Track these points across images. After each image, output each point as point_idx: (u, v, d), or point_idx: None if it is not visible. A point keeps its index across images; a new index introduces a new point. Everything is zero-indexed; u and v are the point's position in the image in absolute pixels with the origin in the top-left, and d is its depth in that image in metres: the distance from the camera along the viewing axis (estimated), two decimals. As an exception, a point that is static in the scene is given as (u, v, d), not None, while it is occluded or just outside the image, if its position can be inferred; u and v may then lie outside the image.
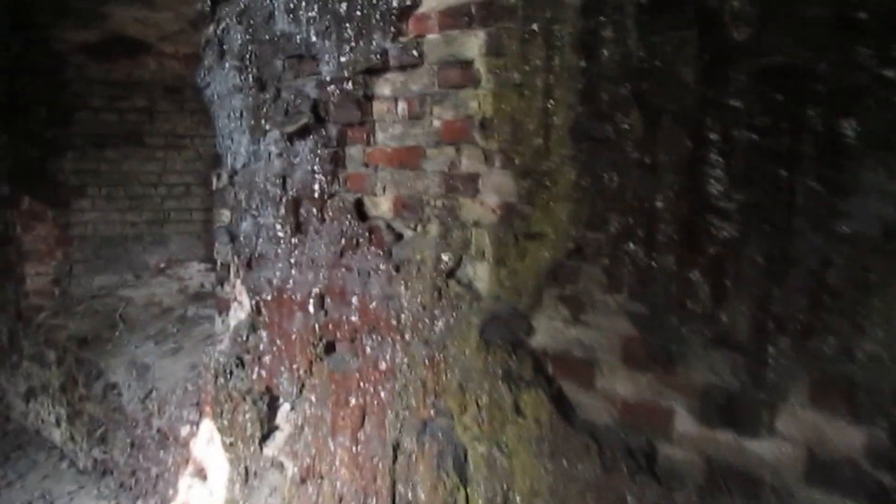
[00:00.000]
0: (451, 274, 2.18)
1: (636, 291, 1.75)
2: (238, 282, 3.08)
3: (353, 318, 2.46)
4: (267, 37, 2.69)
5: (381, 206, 2.42)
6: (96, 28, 4.97)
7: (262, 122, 2.73)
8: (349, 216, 2.47)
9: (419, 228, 2.30)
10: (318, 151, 2.55)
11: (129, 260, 5.39)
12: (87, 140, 5.17)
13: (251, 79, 2.76)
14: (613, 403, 1.80)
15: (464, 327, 2.11)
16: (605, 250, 1.81)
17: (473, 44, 2.06)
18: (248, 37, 2.77)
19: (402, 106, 2.31)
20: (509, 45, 1.97)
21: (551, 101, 1.89)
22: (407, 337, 2.28)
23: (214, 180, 3.20)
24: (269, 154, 2.74)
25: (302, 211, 2.64)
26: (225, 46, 2.88)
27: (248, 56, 2.77)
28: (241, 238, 2.94)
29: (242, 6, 2.76)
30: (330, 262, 2.54)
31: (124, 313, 4.69)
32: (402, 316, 2.30)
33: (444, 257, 2.18)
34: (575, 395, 1.89)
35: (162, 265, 5.51)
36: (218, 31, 2.89)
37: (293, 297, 2.68)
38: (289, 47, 2.61)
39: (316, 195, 2.57)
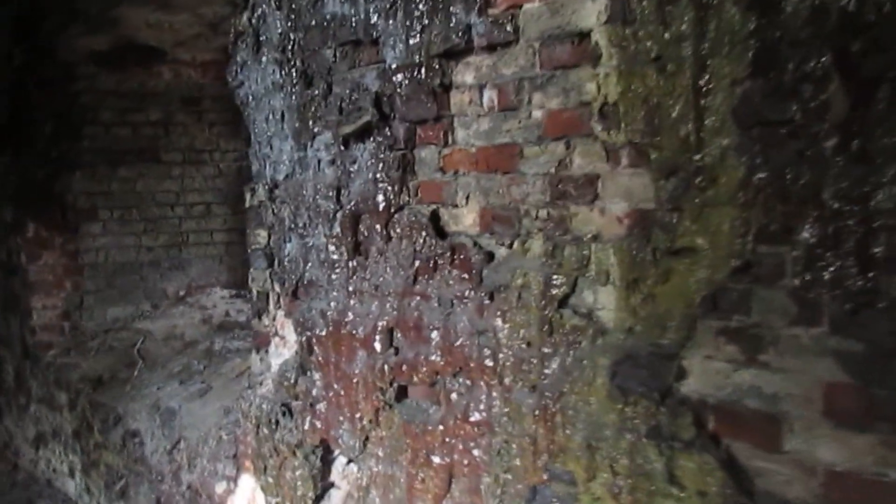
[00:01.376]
0: (563, 302, 1.79)
1: (844, 323, 1.35)
2: (280, 314, 2.71)
3: (433, 358, 2.08)
4: (314, 22, 2.33)
5: (464, 219, 2.04)
6: (107, 34, 4.67)
7: (310, 123, 2.37)
8: (423, 233, 2.10)
9: (516, 245, 1.91)
10: (382, 156, 2.18)
11: (146, 288, 5.05)
12: (97, 157, 4.86)
13: (295, 73, 2.40)
14: (812, 473, 1.39)
15: (587, 370, 1.72)
16: (791, 269, 1.41)
17: (590, 10, 1.68)
18: (289, 24, 2.42)
19: (489, 95, 1.94)
20: (642, 8, 1.59)
21: (706, 77, 1.51)
22: (507, 382, 1.89)
23: (248, 196, 2.85)
24: (319, 162, 2.38)
25: (362, 228, 2.27)
26: (262, 37, 2.53)
27: (290, 46, 2.42)
28: (285, 262, 2.57)
29: (283, -12, 2.42)
30: (400, 289, 2.16)
31: (143, 349, 4.34)
32: (500, 356, 1.91)
33: (554, 281, 1.79)
34: (752, 461, 1.48)
35: (181, 293, 5.16)
36: (253, 20, 2.55)
37: (354, 332, 2.30)
38: (342, 32, 2.25)
39: (380, 209, 2.20)
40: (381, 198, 2.19)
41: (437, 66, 2.02)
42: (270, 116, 2.54)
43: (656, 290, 1.63)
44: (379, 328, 2.22)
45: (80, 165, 4.82)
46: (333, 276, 2.37)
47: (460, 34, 1.94)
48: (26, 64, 4.64)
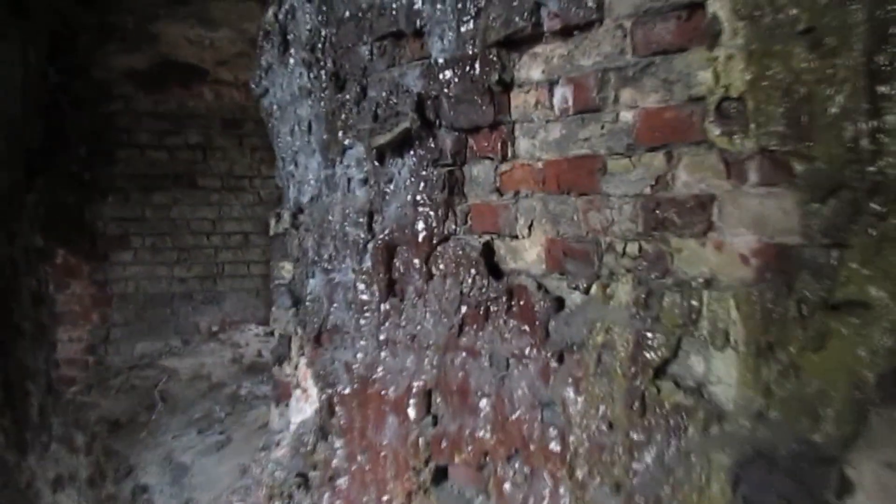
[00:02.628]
0: (661, 370, 1.32)
1: None
2: (303, 362, 2.31)
3: (482, 434, 1.62)
4: (347, 14, 1.96)
5: (526, 254, 1.60)
6: (145, 52, 4.48)
7: (340, 134, 1.98)
8: (473, 271, 1.67)
9: (595, 290, 1.46)
10: (424, 173, 1.77)
11: (177, 323, 4.75)
12: (131, 182, 4.63)
13: (325, 75, 2.03)
14: None
15: (696, 469, 1.24)
16: None
17: (706, -29, 1.25)
18: (320, 18, 2.06)
19: (562, 94, 1.51)
20: (784, -38, 1.15)
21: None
22: (580, 475, 1.42)
23: (272, 223, 2.48)
24: (349, 181, 1.99)
25: (397, 263, 1.85)
26: (289, 35, 2.18)
27: (320, 44, 2.05)
28: (307, 302, 2.17)
29: (314, -22, 2.06)
30: (442, 341, 1.73)
31: (165, 390, 4.01)
32: (570, 438, 1.44)
33: (649, 340, 1.33)
34: None
35: (214, 328, 4.85)
36: (280, 15, 2.20)
37: (383, 392, 1.87)
38: (380, 24, 1.87)
39: (419, 239, 1.78)
40: (421, 225, 1.77)
41: (494, 59, 1.61)
42: (296, 128, 2.17)
43: (804, 361, 1.15)
44: (414, 389, 1.78)
45: (112, 190, 4.59)
46: (362, 322, 1.95)
47: (526, 15, 1.52)
48: (61, 84, 4.46)
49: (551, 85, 1.54)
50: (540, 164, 1.58)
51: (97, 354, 4.54)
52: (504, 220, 1.64)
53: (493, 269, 1.66)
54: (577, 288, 1.50)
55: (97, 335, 4.56)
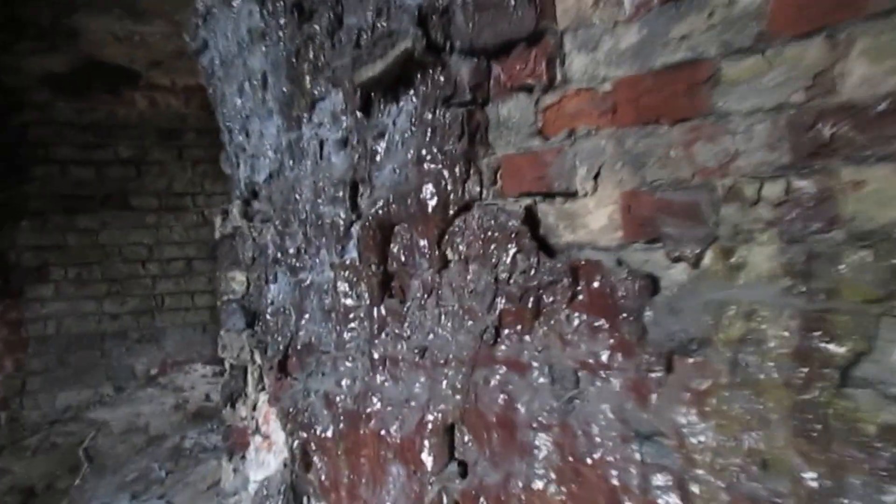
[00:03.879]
0: (849, 373, 0.84)
1: None
2: (263, 399, 1.77)
3: (540, 485, 1.11)
4: (313, -78, 1.48)
5: (591, 217, 1.12)
6: (64, 52, 3.92)
7: (307, 81, 1.48)
8: (512, 247, 1.17)
9: (711, 260, 0.98)
10: (430, 118, 1.28)
11: (108, 367, 4.11)
12: (50, 204, 4.02)
13: (284, 7, 1.53)
14: None
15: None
16: None
17: None
18: (275, -65, 1.56)
19: (641, -23, 1.05)
20: None
21: None
22: (718, 546, 0.92)
23: (217, 222, 1.96)
24: (321, 145, 1.48)
25: (395, 249, 1.34)
26: (233, -33, 1.68)
27: (276, -31, 1.56)
28: (268, 315, 1.64)
29: None
30: (467, 352, 1.22)
31: (93, 447, 3.36)
32: (694, 488, 0.94)
33: (827, 326, 0.85)
34: None
35: (153, 371, 4.22)
36: (221, -56, 1.70)
37: (383, 431, 1.34)
38: (358, -74, 1.38)
39: (428, 210, 1.28)
40: (429, 191, 1.27)
41: (534, -60, 1.13)
42: (247, 84, 1.66)
43: None
44: (429, 425, 1.26)
45: (27, 214, 3.98)
46: (346, 335, 1.43)
47: None
48: (-37, 89, 3.87)
49: (620, -30, 1.07)
50: (607, 87, 1.10)
51: (10, 409, 3.87)
52: (554, 172, 1.16)
53: (542, 245, 1.16)
54: (678, 259, 1.01)
55: (10, 386, 3.89)
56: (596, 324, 1.07)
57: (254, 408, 1.86)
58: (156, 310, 4.26)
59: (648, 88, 1.05)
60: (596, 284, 1.08)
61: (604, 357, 1.05)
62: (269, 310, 1.64)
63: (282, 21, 1.55)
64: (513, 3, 1.16)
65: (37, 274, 3.99)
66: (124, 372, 4.15)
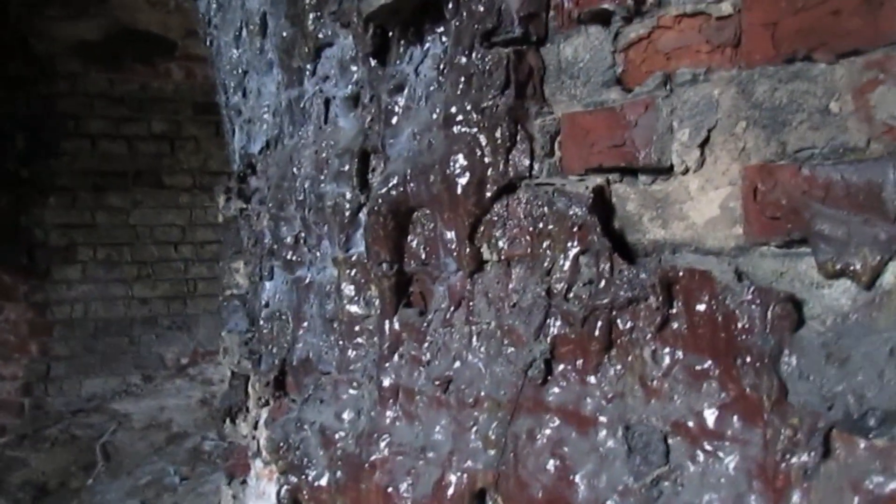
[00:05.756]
0: None
1: None
2: (264, 417, 1.47)
3: None
4: None
5: (693, 206, 0.76)
6: (96, 19, 3.71)
7: (310, 21, 1.16)
8: (574, 246, 0.82)
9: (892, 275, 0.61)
10: (464, 61, 0.93)
11: (136, 354, 3.93)
12: (79, 181, 3.84)
13: (285, -72, 1.21)
14: None
15: None
16: None
17: None
18: None
19: None
20: None
21: None
22: None
23: (220, 200, 1.67)
24: (327, 104, 1.16)
25: (413, 242, 1.01)
26: None
27: None
28: (262, 320, 1.34)
29: None
30: (506, 391, 0.88)
31: (111, 443, 3.17)
32: None
33: None
34: None
35: (184, 361, 4.02)
36: None
37: (390, 488, 1.01)
38: None
39: (457, 190, 0.93)
40: (459, 165, 0.93)
41: None
42: (244, 30, 1.35)
43: None
44: (451, 488, 0.93)
45: (55, 191, 3.81)
46: (351, 353, 1.11)
47: None
48: (-10, 57, 3.71)
49: None
50: (726, 7, 0.74)
51: (33, 395, 3.72)
52: (638, 137, 0.80)
53: (617, 244, 0.81)
54: (840, 273, 0.65)
55: (34, 371, 3.74)
56: (700, 367, 0.72)
57: (255, 426, 1.57)
58: (188, 296, 4.06)
59: (795, 5, 0.69)
60: (701, 307, 0.72)
61: (711, 420, 0.70)
62: (263, 313, 1.33)
63: (284, -54, 1.22)
64: None
65: (64, 254, 3.83)
66: (153, 360, 3.96)
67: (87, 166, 3.87)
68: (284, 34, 1.21)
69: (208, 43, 1.51)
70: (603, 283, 0.79)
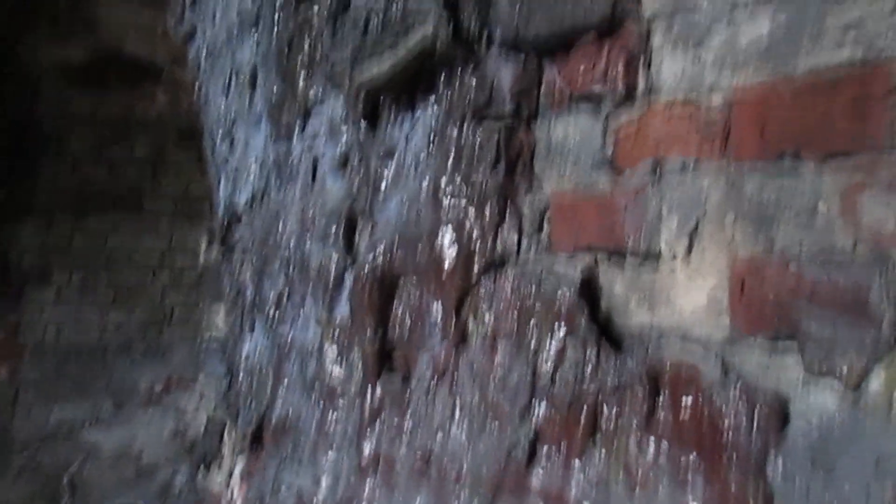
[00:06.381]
0: None
1: None
2: (239, 470, 1.44)
3: None
4: None
5: (681, 294, 0.77)
6: (82, 41, 3.69)
7: (301, 78, 1.16)
8: (560, 328, 0.82)
9: (884, 385, 0.61)
10: (456, 135, 0.94)
11: (109, 381, 3.86)
12: (58, 202, 3.80)
13: (280, -16, 1.22)
14: None
15: None
16: None
17: None
18: None
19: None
20: None
21: None
22: None
23: (202, 245, 1.67)
24: (315, 163, 1.15)
25: (399, 310, 1.01)
26: (227, -65, 1.37)
27: (274, -64, 1.24)
28: (242, 373, 1.32)
29: None
30: (489, 469, 0.87)
31: (78, 475, 3.09)
32: None
33: None
34: None
35: (158, 388, 3.94)
36: None
37: (367, 561, 0.99)
38: None
39: (445, 265, 0.93)
40: (447, 238, 0.93)
41: None
42: (234, 81, 1.34)
43: None
44: (430, 565, 0.91)
45: (33, 212, 3.75)
46: (332, 416, 1.10)
47: None
48: (-27, 76, 3.67)
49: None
50: (716, 100, 0.75)
51: (0, 421, 3.62)
52: (628, 223, 0.81)
53: (604, 328, 0.81)
54: (826, 373, 0.65)
55: (3, 396, 3.66)
56: (685, 461, 0.71)
57: (230, 475, 1.54)
58: (164, 322, 3.99)
59: (785, 104, 0.70)
60: (688, 401, 0.72)
61: (695, 520, 0.69)
62: (243, 367, 1.31)
63: (278, 2, 1.23)
64: (580, -25, 0.82)
65: (39, 276, 3.76)
66: (126, 387, 3.89)
67: (67, 188, 3.82)
68: (274, 89, 1.21)
69: (197, 88, 1.50)
70: (590, 368, 0.79)
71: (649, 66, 0.80)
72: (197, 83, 1.51)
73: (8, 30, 3.60)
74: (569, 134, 0.88)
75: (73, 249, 3.83)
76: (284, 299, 1.19)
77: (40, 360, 3.74)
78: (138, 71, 3.91)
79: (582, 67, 0.85)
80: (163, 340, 4.00)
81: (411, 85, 0.98)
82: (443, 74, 0.94)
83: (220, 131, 1.40)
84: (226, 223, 1.40)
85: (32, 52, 3.67)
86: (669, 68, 0.79)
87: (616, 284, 0.83)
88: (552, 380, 0.81)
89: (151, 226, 4.01)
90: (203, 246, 1.63)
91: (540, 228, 0.89)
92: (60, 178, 3.81)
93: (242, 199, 1.32)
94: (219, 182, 1.44)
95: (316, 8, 1.12)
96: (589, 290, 0.83)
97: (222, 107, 1.39)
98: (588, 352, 0.79)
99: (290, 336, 1.18)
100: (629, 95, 0.81)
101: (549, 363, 0.82)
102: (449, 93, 0.94)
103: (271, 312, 1.21)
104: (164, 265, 4.03)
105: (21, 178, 3.72)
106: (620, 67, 0.81)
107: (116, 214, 3.93)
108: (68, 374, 3.78)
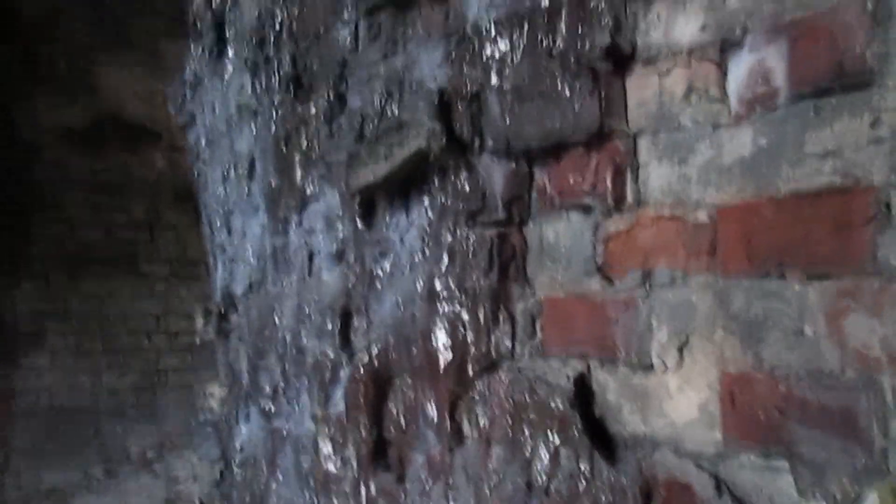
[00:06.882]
0: None
1: None
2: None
3: None
4: (318, -23, 1.20)
5: (673, 405, 0.78)
6: (83, 106, 3.76)
7: (298, 174, 1.18)
8: (554, 435, 0.83)
9: (875, 508, 0.61)
10: (450, 238, 0.96)
11: (101, 446, 3.81)
12: (55, 265, 3.81)
13: (279, 80, 1.26)
14: None
15: None
16: None
17: None
18: (275, -8, 1.29)
19: (755, 64, 0.73)
20: None
21: None
22: None
23: (199, 322, 1.66)
24: (311, 256, 1.17)
25: (393, 408, 1.01)
26: (228, 29, 1.42)
27: (273, 34, 1.29)
28: (237, 464, 1.31)
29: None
30: (485, 582, 0.86)
31: (67, 547, 3.03)
32: None
33: None
34: None
35: (149, 454, 3.89)
36: (216, 1, 1.44)
37: None
38: (372, -17, 1.10)
39: (439, 365, 0.94)
40: (442, 339, 0.94)
41: (599, 6, 0.82)
42: (232, 170, 1.37)
43: None
44: None
45: (30, 275, 3.75)
46: (326, 513, 1.09)
47: None
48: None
49: (724, 49, 0.75)
50: (702, 216, 0.77)
51: (-10, 489, 3.57)
52: (619, 333, 0.82)
53: (597, 433, 0.81)
54: (818, 496, 0.66)
55: (-7, 463, 3.61)
56: (680, 580, 0.71)
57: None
58: (157, 385, 3.97)
59: (768, 223, 0.72)
60: (681, 518, 0.72)
61: None
62: (237, 458, 1.30)
63: (276, 98, 1.26)
64: (567, 91, 0.85)
65: (34, 340, 3.75)
66: (118, 452, 3.84)
67: (64, 251, 3.84)
68: (272, 183, 1.23)
69: (196, 173, 1.53)
70: (583, 481, 0.79)
71: (637, 177, 0.83)
72: (196, 169, 1.54)
73: (9, 96, 3.66)
74: (560, 238, 0.90)
75: (69, 313, 3.83)
76: (280, 391, 1.19)
77: (32, 424, 3.70)
78: (137, 135, 3.98)
79: (571, 177, 0.87)
80: (156, 404, 3.97)
81: (406, 185, 1.00)
82: (436, 177, 0.97)
83: (218, 220, 1.43)
84: (223, 311, 1.41)
85: (33, 115, 3.73)
86: (656, 181, 0.81)
87: (609, 391, 0.83)
88: (546, 492, 0.81)
89: (147, 288, 4.02)
90: (200, 323, 1.64)
91: (533, 332, 0.90)
92: (58, 241, 3.83)
93: (239, 287, 1.34)
94: (216, 268, 1.46)
95: (313, 107, 1.15)
96: (582, 396, 0.84)
97: (221, 194, 1.41)
98: (582, 466, 0.80)
99: (285, 429, 1.18)
100: (618, 206, 0.84)
101: (543, 474, 0.82)
102: (442, 195, 0.96)
103: (267, 406, 1.21)
104: (160, 329, 4.03)
105: (19, 241, 3.73)
106: (609, 179, 0.83)
107: (113, 277, 3.94)
108: (59, 439, 3.74)
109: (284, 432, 1.18)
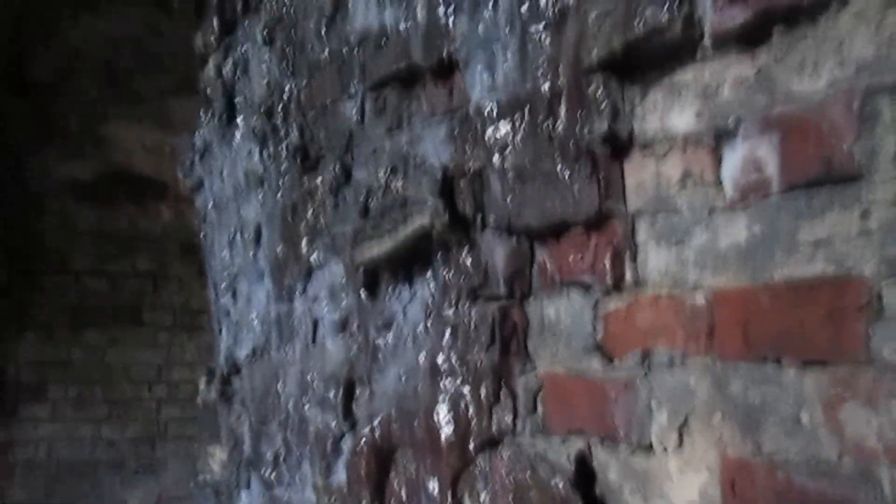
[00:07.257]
0: None
1: None
2: None
3: None
4: (325, 54, 1.25)
5: (673, 487, 0.79)
6: (90, 159, 3.82)
7: (303, 244, 1.21)
8: (555, 516, 0.83)
9: None
10: (452, 313, 0.98)
11: (99, 500, 3.75)
12: (58, 316, 3.83)
13: (286, 151, 1.29)
14: None
15: None
16: None
17: None
18: (283, 66, 1.34)
19: (748, 154, 0.76)
20: None
21: None
22: None
23: (202, 385, 1.66)
24: (315, 325, 1.19)
25: (395, 481, 1.01)
26: (237, 98, 1.46)
27: (281, 105, 1.33)
28: (237, 531, 1.30)
29: (278, 11, 1.36)
30: None
31: None
32: None
33: None
34: None
35: (148, 508, 3.84)
36: (225, 71, 1.49)
37: None
38: (378, 62, 1.14)
39: (441, 441, 0.95)
40: (443, 416, 0.95)
41: (598, 94, 0.86)
42: (239, 236, 1.40)
43: None
44: None
45: (32, 326, 3.76)
46: (326, 587, 1.08)
47: (670, 6, 0.79)
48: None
49: (718, 139, 0.78)
50: (699, 299, 0.78)
51: (-15, 545, 3.52)
52: (619, 413, 0.83)
53: (598, 515, 0.82)
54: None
55: (-12, 518, 3.56)
56: None
57: None
58: (157, 437, 3.94)
59: (764, 309, 0.73)
60: None
61: None
62: (237, 524, 1.30)
63: (282, 167, 1.30)
64: (567, 174, 0.87)
65: (34, 392, 3.74)
66: (116, 507, 3.79)
67: (68, 302, 3.86)
68: (277, 251, 1.25)
69: (202, 236, 1.56)
70: (584, 562, 0.79)
71: (635, 258, 0.85)
72: (202, 232, 1.57)
73: (22, 148, 3.73)
74: (560, 315, 0.91)
75: (71, 364, 3.83)
76: (281, 460, 1.20)
77: (30, 479, 3.67)
78: (143, 187, 4.03)
79: (571, 256, 0.89)
80: (155, 457, 3.94)
81: (409, 260, 1.02)
82: (439, 253, 0.99)
83: (223, 284, 1.45)
84: (226, 376, 1.42)
85: (43, 168, 3.79)
86: (654, 263, 0.83)
87: (610, 471, 0.84)
88: (548, 573, 0.81)
89: (150, 339, 4.03)
90: (202, 384, 1.65)
91: (534, 409, 0.91)
92: (62, 291, 3.85)
93: (243, 352, 1.35)
94: (219, 332, 1.47)
95: (319, 179, 1.18)
96: (583, 475, 0.84)
97: (227, 259, 1.43)
98: (582, 545, 0.80)
99: (285, 498, 1.18)
100: (617, 286, 0.85)
101: (544, 553, 0.82)
102: (445, 270, 0.98)
103: (268, 474, 1.21)
104: (161, 379, 4.02)
105: (23, 291, 3.76)
106: (607, 259, 0.85)
107: (116, 328, 3.94)
108: (57, 493, 3.69)
109: (285, 501, 1.18)
